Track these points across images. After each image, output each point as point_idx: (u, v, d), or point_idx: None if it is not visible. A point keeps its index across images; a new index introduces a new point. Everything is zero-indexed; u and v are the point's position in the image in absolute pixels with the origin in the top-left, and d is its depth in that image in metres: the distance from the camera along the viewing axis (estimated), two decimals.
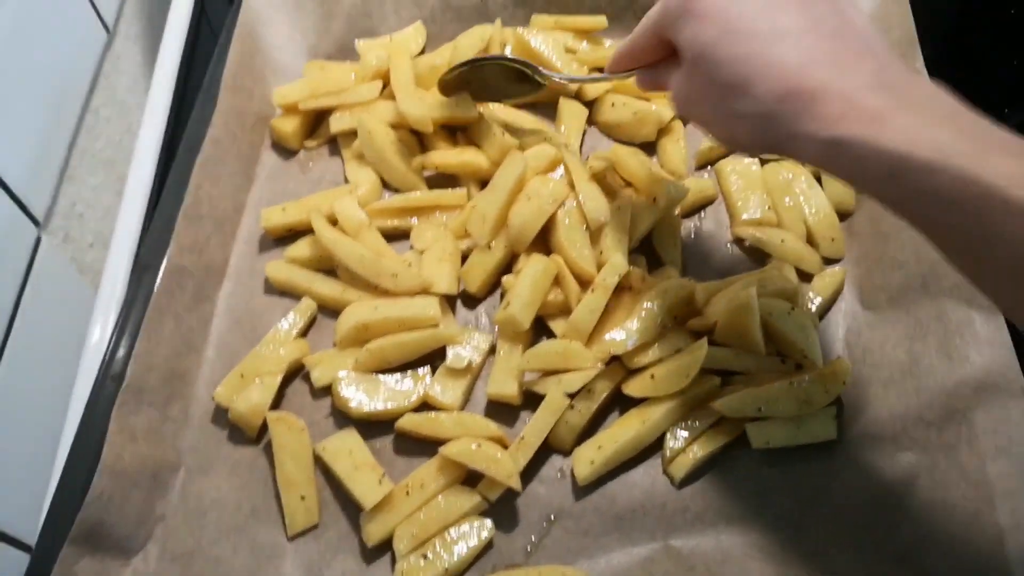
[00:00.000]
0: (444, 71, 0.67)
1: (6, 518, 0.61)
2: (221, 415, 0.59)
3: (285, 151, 0.73)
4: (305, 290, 0.64)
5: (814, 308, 0.61)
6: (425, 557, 0.52)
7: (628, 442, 0.55)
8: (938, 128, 0.35)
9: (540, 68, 0.65)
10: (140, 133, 0.79)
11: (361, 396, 0.57)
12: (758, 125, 0.41)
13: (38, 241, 0.70)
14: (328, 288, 0.63)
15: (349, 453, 0.55)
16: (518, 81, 0.66)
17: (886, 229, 0.63)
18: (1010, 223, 0.33)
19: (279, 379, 0.59)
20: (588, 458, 0.55)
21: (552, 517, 0.55)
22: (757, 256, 0.65)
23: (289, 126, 0.71)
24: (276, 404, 0.59)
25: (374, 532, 0.53)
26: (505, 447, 0.55)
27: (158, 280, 0.60)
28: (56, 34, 0.74)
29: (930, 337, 0.56)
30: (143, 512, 0.54)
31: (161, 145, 0.77)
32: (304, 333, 0.63)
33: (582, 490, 0.55)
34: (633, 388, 0.56)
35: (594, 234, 0.62)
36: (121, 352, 0.59)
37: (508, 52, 0.74)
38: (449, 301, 0.63)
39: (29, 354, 0.67)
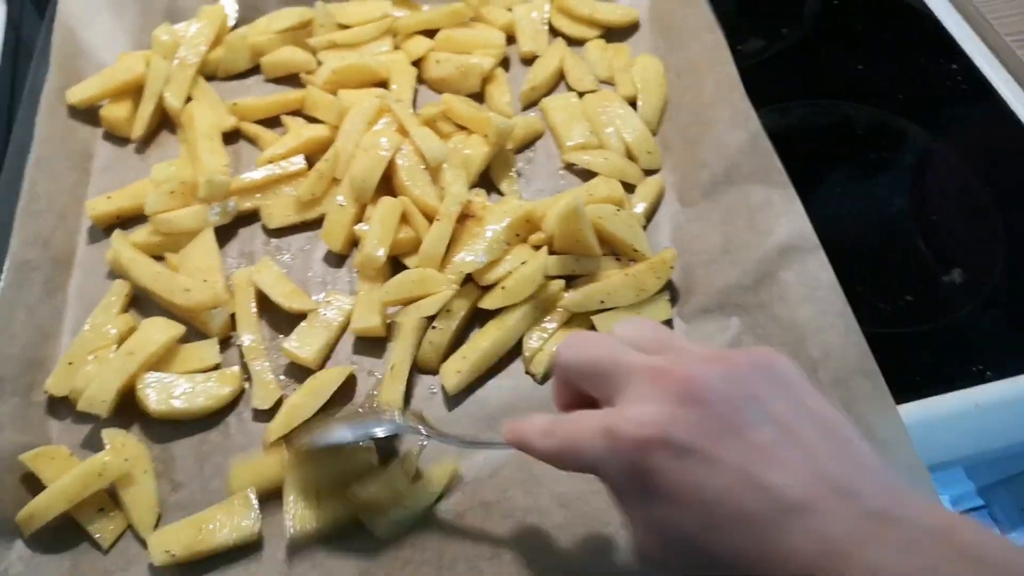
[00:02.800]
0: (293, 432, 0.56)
1: None
2: None
3: (119, 141, 0.73)
4: (135, 278, 0.62)
5: (639, 212, 0.67)
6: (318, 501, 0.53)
7: (490, 348, 0.59)
8: None
9: (421, 428, 0.52)
10: None
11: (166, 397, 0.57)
12: None
13: None
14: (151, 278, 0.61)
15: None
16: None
17: (692, 136, 0.70)
18: None
19: (113, 350, 0.58)
20: (455, 368, 0.59)
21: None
22: (587, 178, 0.71)
23: (120, 112, 0.71)
24: None
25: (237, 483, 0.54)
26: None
27: (3, 274, 0.60)
28: None
29: (738, 219, 0.64)
30: (22, 496, 0.53)
31: None
32: (125, 310, 0.63)
33: (453, 400, 0.59)
34: (488, 302, 0.61)
35: (434, 173, 0.66)
36: None
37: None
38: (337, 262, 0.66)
39: None
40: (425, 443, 0.55)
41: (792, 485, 0.33)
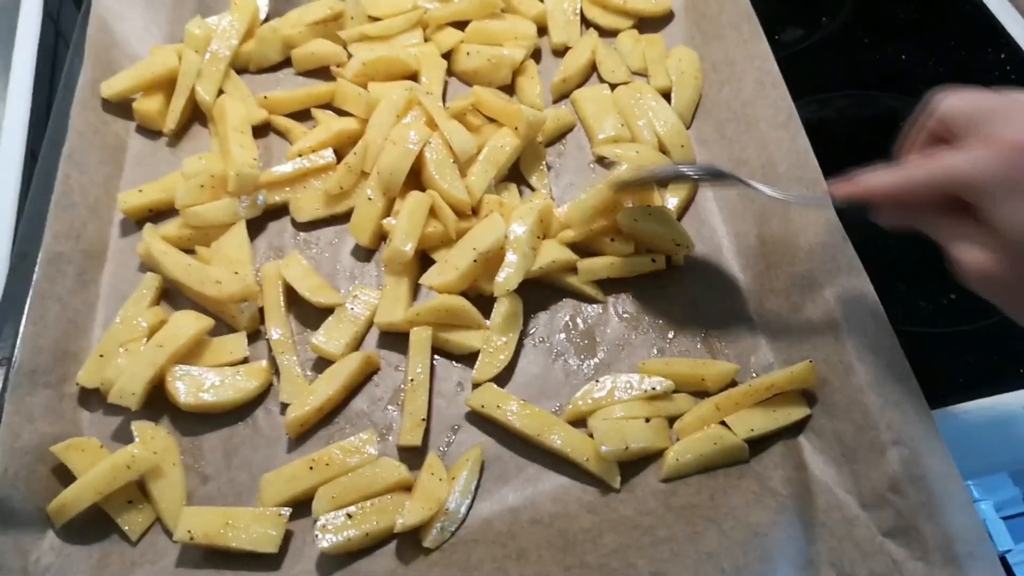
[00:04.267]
0: (622, 179, 0.61)
1: None
2: None
3: (152, 134, 0.73)
4: (167, 271, 0.62)
5: (672, 207, 0.66)
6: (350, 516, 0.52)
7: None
8: None
9: (743, 180, 0.55)
10: (2, 143, 0.78)
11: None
12: None
13: None
14: (183, 271, 0.62)
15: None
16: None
17: (729, 134, 0.68)
18: None
19: (143, 343, 0.59)
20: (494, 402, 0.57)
21: (456, 427, 0.58)
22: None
23: (152, 106, 0.72)
24: None
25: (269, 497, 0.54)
26: (408, 489, 0.54)
27: (37, 267, 0.60)
28: None
29: (774, 219, 0.62)
30: (54, 487, 0.54)
31: (24, 155, 0.76)
32: (156, 303, 0.63)
33: None
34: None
35: (463, 166, 0.66)
36: (7, 339, 0.59)
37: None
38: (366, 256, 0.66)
39: None
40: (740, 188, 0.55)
41: None
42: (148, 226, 0.64)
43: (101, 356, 0.58)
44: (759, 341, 0.60)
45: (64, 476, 0.55)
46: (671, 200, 0.66)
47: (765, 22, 0.71)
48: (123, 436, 0.57)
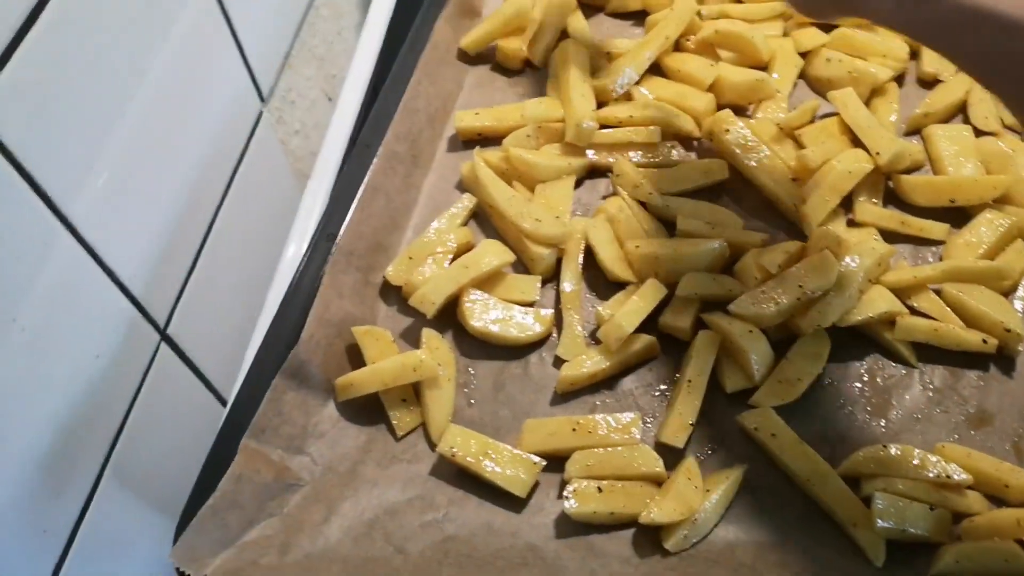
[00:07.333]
0: None
1: (213, 374, 0.68)
2: None
3: (495, 64, 0.76)
4: (488, 196, 0.64)
5: None
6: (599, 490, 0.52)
7: None
8: None
9: None
10: (360, 41, 0.83)
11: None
12: None
13: (260, 115, 0.76)
14: (505, 199, 0.63)
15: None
16: None
17: None
18: None
19: (448, 259, 0.61)
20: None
21: (719, 439, 0.56)
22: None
23: (515, 44, 0.74)
24: None
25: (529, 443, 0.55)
26: (658, 483, 0.54)
27: (375, 160, 0.64)
28: None
29: None
30: (342, 363, 0.58)
31: (378, 54, 0.82)
32: (466, 223, 0.65)
33: None
34: None
35: (800, 175, 0.63)
36: (336, 217, 0.63)
37: None
38: None
39: (241, 220, 0.73)
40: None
41: None
42: (478, 149, 0.67)
43: (410, 259, 0.62)
44: None
45: (353, 356, 0.59)
46: None
47: None
48: (409, 337, 0.61)
